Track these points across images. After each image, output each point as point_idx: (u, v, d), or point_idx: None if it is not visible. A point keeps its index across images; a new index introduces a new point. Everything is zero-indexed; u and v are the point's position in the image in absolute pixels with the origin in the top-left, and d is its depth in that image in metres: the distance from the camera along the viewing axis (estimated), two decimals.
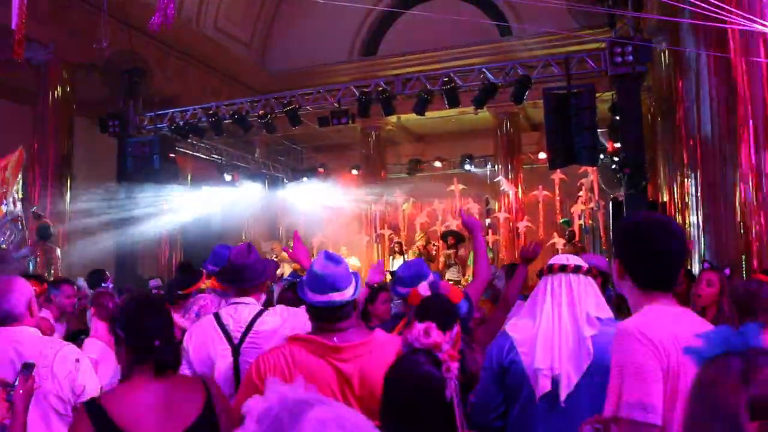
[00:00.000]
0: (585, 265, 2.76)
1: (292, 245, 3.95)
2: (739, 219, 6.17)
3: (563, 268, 2.73)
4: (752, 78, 5.96)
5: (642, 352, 1.88)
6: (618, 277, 2.17)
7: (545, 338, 2.62)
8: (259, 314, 3.36)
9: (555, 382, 2.57)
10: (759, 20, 5.12)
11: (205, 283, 4.85)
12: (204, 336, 3.27)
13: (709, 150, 6.99)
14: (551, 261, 2.83)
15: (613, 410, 1.89)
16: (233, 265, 3.53)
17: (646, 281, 2.10)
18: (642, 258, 2.12)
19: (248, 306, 3.40)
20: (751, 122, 5.95)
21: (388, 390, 1.95)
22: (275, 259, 15.10)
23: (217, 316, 3.36)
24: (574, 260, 2.77)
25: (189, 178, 15.92)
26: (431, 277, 3.89)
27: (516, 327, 2.78)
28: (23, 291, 3.04)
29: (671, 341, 1.89)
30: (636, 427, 1.84)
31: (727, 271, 5.10)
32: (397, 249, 15.83)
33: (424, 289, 3.34)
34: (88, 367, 3.07)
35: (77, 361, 2.99)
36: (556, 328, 2.62)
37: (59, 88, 12.45)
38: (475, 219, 4.54)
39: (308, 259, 3.87)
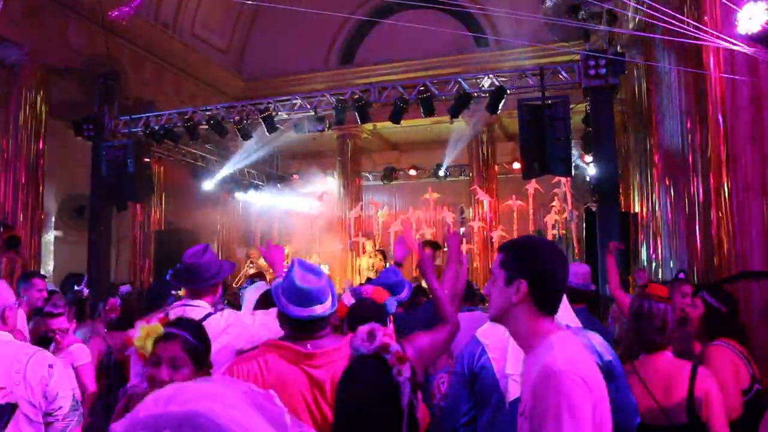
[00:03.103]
0: None
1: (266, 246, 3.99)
2: (706, 232, 6.28)
3: None
4: (721, 93, 6.08)
5: (578, 394, 1.78)
6: (516, 300, 2.01)
7: (516, 344, 2.65)
8: (204, 318, 3.36)
9: None
10: (727, 38, 5.23)
11: (182, 291, 4.84)
12: None
13: (679, 162, 7.10)
14: None
15: None
16: (186, 265, 3.54)
17: (549, 306, 2.01)
18: (552, 281, 2.02)
19: (196, 309, 3.39)
20: (718, 136, 6.07)
21: (340, 399, 1.89)
22: (252, 265, 15.05)
23: (166, 316, 3.37)
24: None
25: (163, 183, 15.83)
26: (406, 289, 3.96)
27: (487, 333, 2.80)
28: (1, 297, 3.00)
29: (591, 371, 1.86)
30: None
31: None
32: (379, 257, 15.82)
33: (347, 298, 3.33)
34: (62, 372, 3.04)
35: (50, 366, 2.93)
36: None
37: (33, 90, 12.28)
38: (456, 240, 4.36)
39: (282, 263, 3.90)
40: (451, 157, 17.21)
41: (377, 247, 16.06)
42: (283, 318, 2.74)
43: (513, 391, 2.59)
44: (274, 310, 3.57)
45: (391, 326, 3.09)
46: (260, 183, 18.47)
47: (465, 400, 2.74)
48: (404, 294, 4.22)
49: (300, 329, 2.69)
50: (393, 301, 3.34)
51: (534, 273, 2.00)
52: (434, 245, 14.93)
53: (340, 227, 17.35)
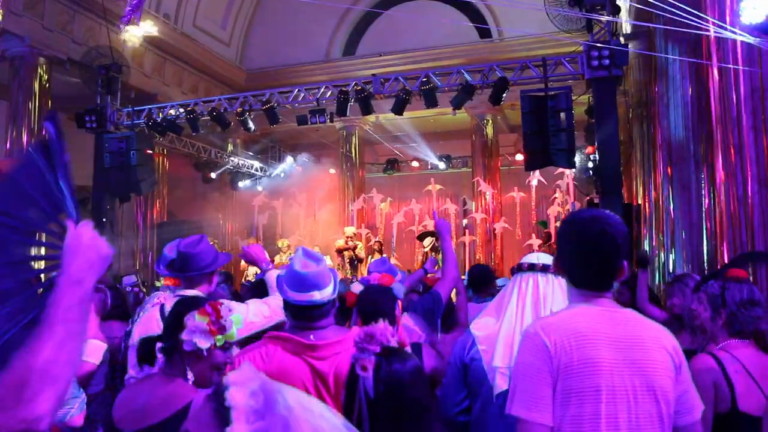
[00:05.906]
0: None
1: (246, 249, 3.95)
2: (709, 223, 6.26)
3: (531, 267, 2.74)
4: (724, 84, 6.05)
5: (532, 353, 1.94)
6: (558, 273, 2.22)
7: (506, 337, 2.62)
8: None
9: None
10: (730, 27, 5.20)
11: (160, 281, 4.83)
12: (148, 328, 3.20)
13: (682, 154, 7.08)
14: (521, 260, 2.84)
15: (509, 407, 1.95)
16: (180, 254, 3.53)
17: (578, 280, 2.10)
18: (574, 258, 2.11)
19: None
20: (721, 127, 6.04)
21: (383, 382, 1.95)
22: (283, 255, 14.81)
23: (162, 308, 3.35)
24: (543, 259, 2.76)
25: (165, 174, 15.84)
26: (399, 275, 3.94)
27: (479, 324, 2.79)
28: None
29: (573, 340, 1.91)
30: (522, 425, 1.90)
31: (697, 276, 5.17)
32: (376, 248, 15.78)
33: (356, 288, 3.35)
34: None
35: None
36: (518, 327, 2.61)
37: (35, 82, 12.30)
38: (446, 222, 4.54)
39: (264, 258, 3.91)
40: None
41: (376, 239, 16.00)
42: (285, 306, 2.74)
43: (501, 383, 2.57)
44: (267, 299, 3.65)
45: (398, 309, 3.10)
46: (262, 175, 18.47)
47: (458, 390, 2.74)
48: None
49: (300, 316, 2.67)
50: (401, 286, 3.35)
51: (557, 246, 2.23)
52: (433, 235, 14.98)
53: (343, 219, 17.35)
